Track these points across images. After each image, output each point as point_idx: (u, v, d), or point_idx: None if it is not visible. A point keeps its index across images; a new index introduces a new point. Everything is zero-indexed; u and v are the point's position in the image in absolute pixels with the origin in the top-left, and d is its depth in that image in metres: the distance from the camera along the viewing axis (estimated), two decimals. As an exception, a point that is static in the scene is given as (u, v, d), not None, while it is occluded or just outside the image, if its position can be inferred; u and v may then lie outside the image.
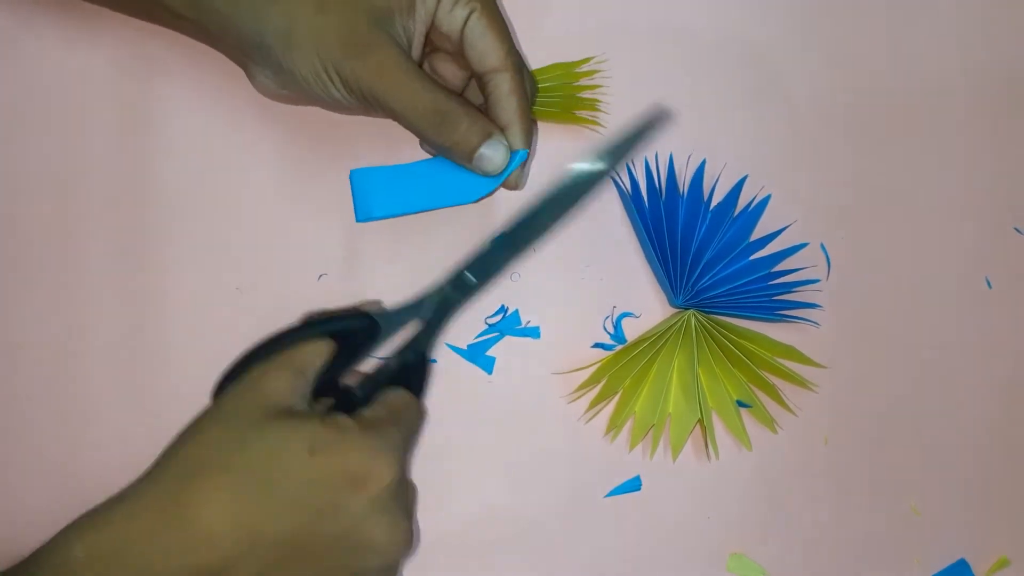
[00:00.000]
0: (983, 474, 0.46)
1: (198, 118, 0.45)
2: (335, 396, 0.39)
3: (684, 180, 0.46)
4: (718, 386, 0.44)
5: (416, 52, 0.40)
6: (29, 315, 0.44)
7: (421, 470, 0.45)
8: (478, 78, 0.41)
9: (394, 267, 0.45)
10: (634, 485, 0.45)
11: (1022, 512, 0.46)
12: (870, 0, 0.47)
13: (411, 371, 0.41)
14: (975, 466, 0.46)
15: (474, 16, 0.40)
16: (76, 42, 0.45)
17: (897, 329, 0.46)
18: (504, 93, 0.40)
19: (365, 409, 0.38)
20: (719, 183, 0.46)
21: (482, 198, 0.42)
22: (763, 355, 0.44)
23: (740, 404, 0.45)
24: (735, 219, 0.45)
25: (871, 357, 0.46)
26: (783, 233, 0.46)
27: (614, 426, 0.45)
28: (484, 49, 0.40)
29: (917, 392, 0.46)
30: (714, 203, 0.45)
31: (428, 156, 0.43)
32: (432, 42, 0.41)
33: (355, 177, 0.42)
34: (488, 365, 0.45)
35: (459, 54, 0.41)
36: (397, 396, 0.40)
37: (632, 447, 0.45)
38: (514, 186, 0.42)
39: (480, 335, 0.45)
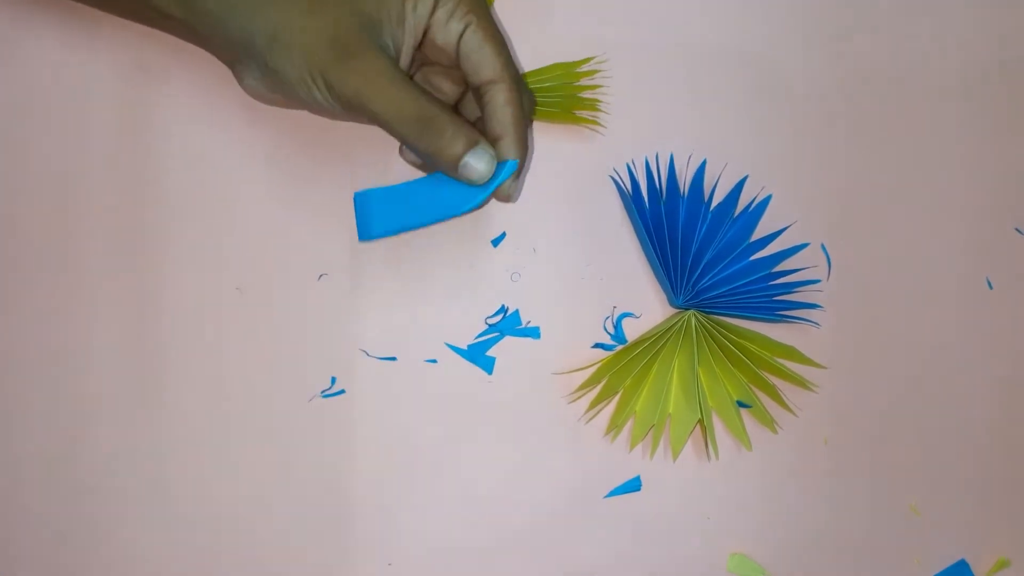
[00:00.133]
0: (983, 474, 0.46)
1: (198, 118, 0.45)
2: None
3: (684, 180, 0.46)
4: (718, 386, 0.44)
5: (404, 62, 0.40)
6: (29, 315, 0.44)
7: (420, 470, 0.45)
8: (475, 91, 0.41)
9: (394, 267, 0.45)
10: (634, 485, 0.45)
11: (1022, 513, 0.46)
12: (870, 0, 0.47)
13: None
14: (975, 466, 0.46)
15: (470, 29, 0.40)
16: (76, 45, 0.45)
17: (897, 329, 0.46)
18: (500, 104, 0.40)
19: None
20: (720, 183, 0.46)
21: (473, 209, 0.41)
22: (763, 355, 0.44)
23: (740, 404, 0.45)
24: (735, 219, 0.45)
25: (871, 357, 0.46)
26: (783, 233, 0.46)
27: (614, 426, 0.45)
28: (481, 61, 0.40)
29: (917, 392, 0.46)
30: (714, 203, 0.45)
31: (408, 166, 0.43)
32: (426, 56, 0.41)
33: (358, 199, 0.42)
34: (488, 365, 0.45)
35: (454, 67, 0.41)
36: None
37: (632, 447, 0.45)
38: (506, 197, 0.41)
39: (480, 335, 0.45)
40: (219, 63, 0.42)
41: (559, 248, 0.46)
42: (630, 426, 0.45)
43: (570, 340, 0.45)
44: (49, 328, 0.44)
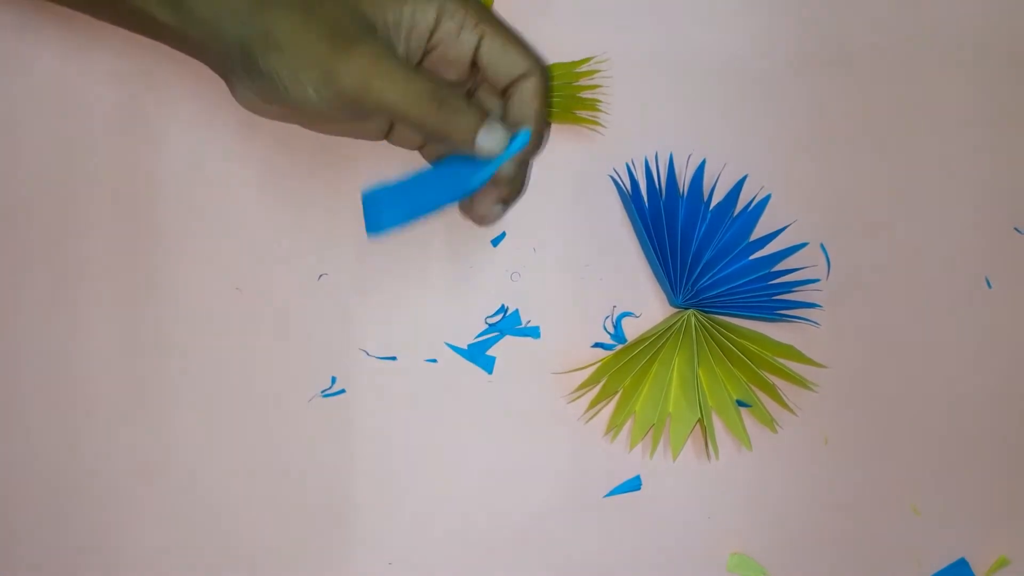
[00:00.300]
0: (983, 474, 0.46)
1: (198, 119, 0.45)
2: None
3: (684, 180, 0.46)
4: (718, 386, 0.44)
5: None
6: (29, 316, 0.45)
7: (419, 470, 0.45)
8: (503, 90, 0.40)
9: (394, 267, 0.45)
10: (634, 485, 0.45)
11: (1022, 511, 0.46)
12: (871, 1, 0.47)
13: None
14: (975, 466, 0.46)
15: (487, 40, 0.39)
16: (74, 53, 0.45)
17: (896, 329, 0.46)
18: (528, 96, 0.40)
19: None
20: (719, 183, 0.46)
21: (483, 184, 0.40)
22: (763, 355, 0.44)
23: (740, 404, 0.45)
24: (735, 219, 0.45)
25: (871, 357, 0.46)
26: (783, 233, 0.46)
27: (614, 426, 0.45)
28: (508, 63, 0.39)
29: (917, 392, 0.46)
30: (714, 203, 0.45)
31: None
32: (432, 68, 0.41)
33: (366, 198, 0.42)
34: (488, 365, 0.45)
35: (463, 74, 0.41)
36: None
37: (632, 447, 0.45)
38: (504, 174, 0.40)
39: (480, 335, 0.45)
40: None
41: (559, 248, 0.46)
42: (630, 426, 0.45)
43: (570, 340, 0.45)
44: (49, 328, 0.45)
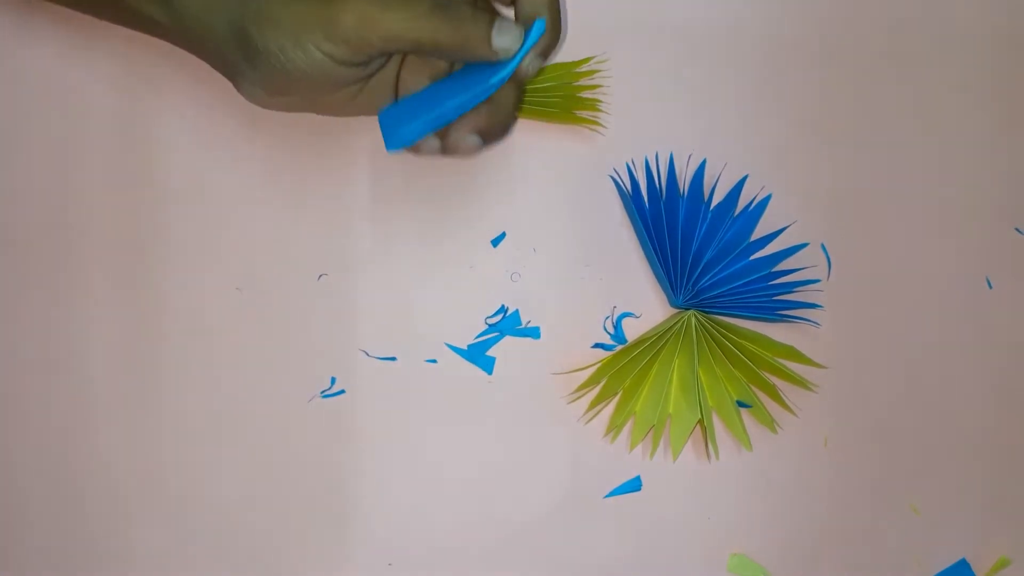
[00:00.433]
0: (983, 474, 0.46)
1: (198, 119, 0.45)
2: None
3: (684, 180, 0.46)
4: (718, 386, 0.44)
5: None
6: (29, 316, 0.44)
7: (420, 470, 0.45)
8: None
9: (394, 267, 0.45)
10: (634, 485, 0.45)
11: (1023, 512, 0.46)
12: (872, 1, 0.47)
13: None
14: (975, 466, 0.46)
15: None
16: (73, 52, 0.45)
17: (897, 329, 0.46)
18: None
19: None
20: (719, 183, 0.46)
21: (502, 82, 0.39)
22: (763, 355, 0.44)
23: (740, 404, 0.45)
24: (735, 219, 0.45)
25: (871, 357, 0.46)
26: (783, 233, 0.46)
27: (614, 426, 0.45)
28: None
29: (917, 392, 0.46)
30: (714, 203, 0.45)
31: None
32: None
33: (382, 114, 0.41)
34: (488, 365, 0.45)
35: None
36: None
37: (632, 447, 0.45)
38: (526, 73, 0.39)
39: (480, 335, 0.45)
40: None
41: (559, 248, 0.46)
42: (630, 426, 0.45)
43: (570, 340, 0.45)
44: (49, 329, 0.44)
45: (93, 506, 0.44)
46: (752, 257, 0.45)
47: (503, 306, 0.45)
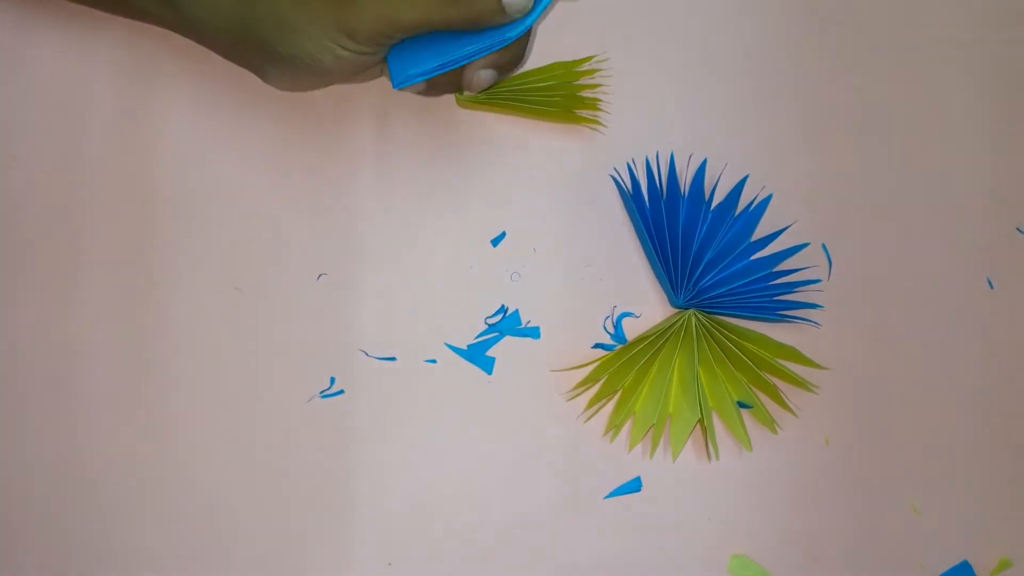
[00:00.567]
0: (984, 474, 0.46)
1: (197, 119, 0.45)
2: None
3: (685, 180, 0.46)
4: (718, 386, 0.44)
5: None
6: (29, 315, 0.44)
7: (420, 470, 0.45)
8: None
9: (394, 267, 0.45)
10: (634, 486, 0.45)
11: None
12: (872, 1, 0.47)
13: None
14: (976, 466, 0.46)
15: None
16: (75, 46, 0.45)
17: (898, 330, 0.46)
18: None
19: None
20: (720, 183, 0.46)
21: (518, 37, 0.39)
22: (764, 356, 0.44)
23: (741, 404, 0.45)
24: (736, 219, 0.45)
25: (872, 357, 0.46)
26: (784, 233, 0.45)
27: (614, 426, 0.45)
28: None
29: (917, 392, 0.46)
30: (715, 203, 0.45)
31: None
32: None
33: (391, 52, 0.41)
34: (488, 365, 0.45)
35: None
36: None
37: (632, 447, 0.45)
38: (479, 86, 0.41)
39: (480, 335, 0.45)
40: (219, 63, 0.42)
41: (559, 248, 0.46)
42: (630, 426, 0.45)
43: (570, 340, 0.45)
44: (49, 328, 0.44)
45: (93, 506, 0.44)
46: (753, 257, 0.45)
47: (503, 306, 0.45)
